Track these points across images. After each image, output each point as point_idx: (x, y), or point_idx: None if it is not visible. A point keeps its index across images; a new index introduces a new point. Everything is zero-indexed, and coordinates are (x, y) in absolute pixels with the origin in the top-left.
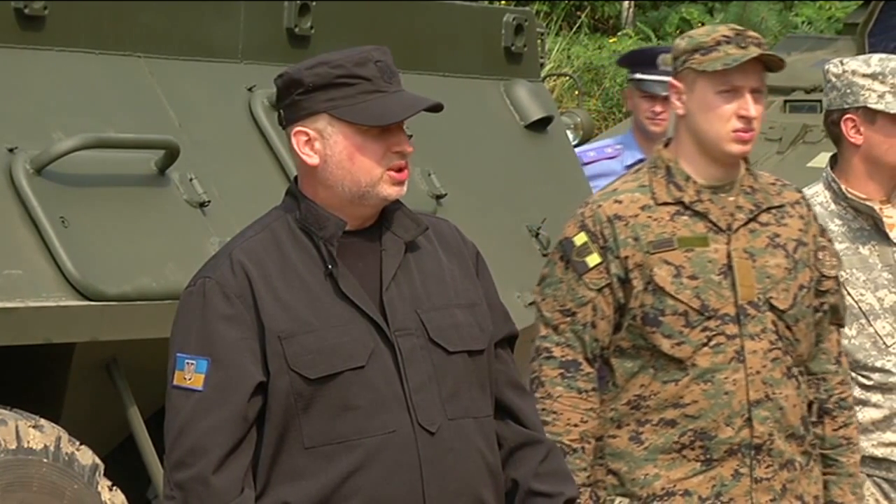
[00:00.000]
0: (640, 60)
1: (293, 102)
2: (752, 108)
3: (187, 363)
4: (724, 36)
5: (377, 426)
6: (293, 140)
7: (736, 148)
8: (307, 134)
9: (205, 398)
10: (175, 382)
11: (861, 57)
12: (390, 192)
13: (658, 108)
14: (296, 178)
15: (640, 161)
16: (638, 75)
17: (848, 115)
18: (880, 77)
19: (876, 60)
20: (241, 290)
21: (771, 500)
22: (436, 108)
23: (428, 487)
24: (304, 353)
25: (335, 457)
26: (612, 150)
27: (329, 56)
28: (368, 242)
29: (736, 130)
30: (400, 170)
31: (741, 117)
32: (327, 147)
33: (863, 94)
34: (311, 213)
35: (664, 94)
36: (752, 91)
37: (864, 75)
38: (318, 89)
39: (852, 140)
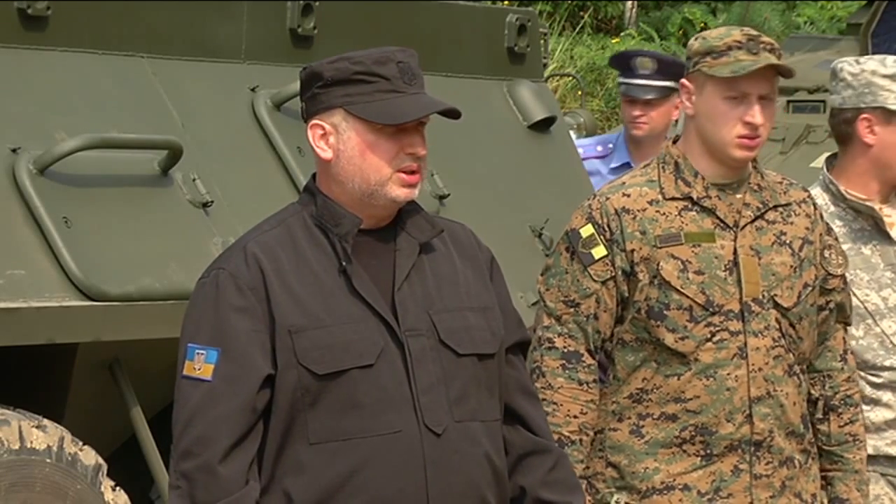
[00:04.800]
0: (619, 64)
1: (313, 95)
2: (758, 115)
3: (197, 353)
4: (736, 41)
5: (383, 425)
6: (309, 133)
7: (740, 153)
8: (323, 128)
9: (214, 388)
10: (185, 373)
11: (877, 57)
12: (399, 193)
13: (637, 112)
14: (314, 174)
15: (626, 165)
16: (620, 79)
17: (864, 115)
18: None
19: (891, 62)
20: (254, 282)
21: (770, 497)
22: (453, 112)
23: (432, 488)
24: (314, 349)
25: (339, 453)
26: (602, 149)
27: (352, 53)
28: (383, 242)
29: (741, 136)
30: (412, 172)
31: (747, 123)
32: (340, 142)
33: (882, 95)
34: (327, 209)
35: (644, 97)
36: (761, 98)
37: (884, 76)
38: (336, 84)
39: (865, 140)
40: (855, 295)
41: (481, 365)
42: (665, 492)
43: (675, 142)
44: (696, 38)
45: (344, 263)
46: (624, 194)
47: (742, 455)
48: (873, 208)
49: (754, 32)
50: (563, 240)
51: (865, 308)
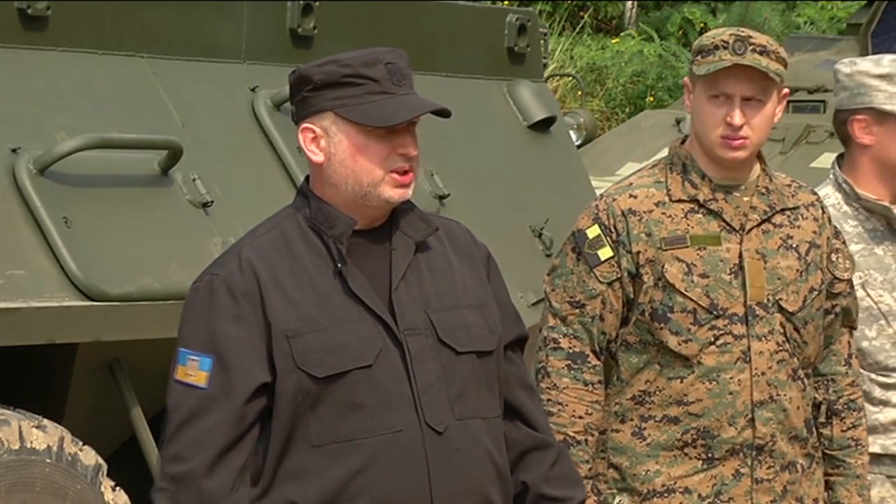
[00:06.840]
0: None
1: (302, 99)
2: (737, 117)
3: (190, 359)
4: (723, 41)
5: (384, 425)
6: (300, 136)
7: (724, 153)
8: (313, 131)
9: (207, 397)
10: (177, 377)
11: (873, 57)
12: (392, 194)
13: None
14: (307, 176)
15: None
16: None
17: (857, 116)
18: (889, 78)
19: (887, 61)
20: (247, 288)
21: (771, 501)
22: (443, 112)
23: (435, 487)
24: (312, 352)
25: (342, 455)
26: None
27: (340, 55)
28: (378, 242)
29: (724, 137)
30: (404, 172)
31: (728, 124)
32: (332, 145)
33: (872, 95)
34: (321, 211)
35: None
36: (747, 99)
37: (876, 76)
38: (325, 87)
39: (861, 141)
40: (868, 295)
41: (480, 362)
42: (666, 495)
43: (683, 142)
44: (699, 38)
45: (339, 265)
46: (631, 195)
47: (743, 459)
48: (889, 208)
49: (746, 34)
50: (569, 240)
51: (879, 309)
